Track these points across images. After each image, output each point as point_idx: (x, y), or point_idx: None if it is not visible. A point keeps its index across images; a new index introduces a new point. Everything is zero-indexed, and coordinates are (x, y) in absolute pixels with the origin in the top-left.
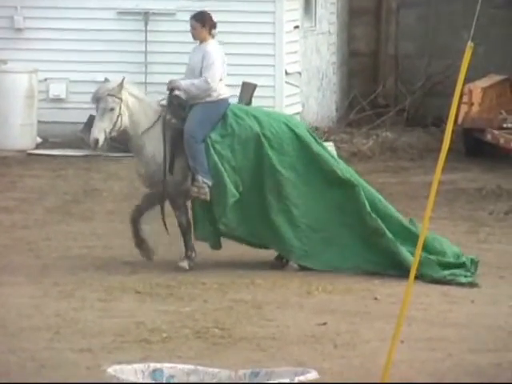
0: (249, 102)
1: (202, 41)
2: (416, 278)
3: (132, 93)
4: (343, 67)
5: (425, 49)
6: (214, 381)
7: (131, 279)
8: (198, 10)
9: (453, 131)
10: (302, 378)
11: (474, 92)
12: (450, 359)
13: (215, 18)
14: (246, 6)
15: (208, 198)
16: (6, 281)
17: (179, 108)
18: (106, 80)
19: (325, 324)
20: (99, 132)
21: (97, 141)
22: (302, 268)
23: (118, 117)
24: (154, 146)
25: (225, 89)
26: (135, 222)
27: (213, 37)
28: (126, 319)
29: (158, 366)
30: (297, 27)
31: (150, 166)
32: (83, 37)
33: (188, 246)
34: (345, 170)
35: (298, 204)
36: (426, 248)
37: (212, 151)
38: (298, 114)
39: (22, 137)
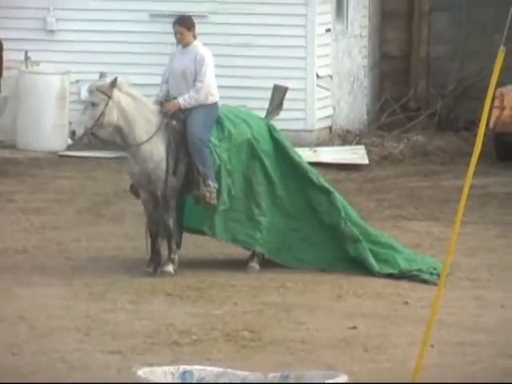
0: (280, 105)
1: (187, 44)
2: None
3: (129, 92)
4: (375, 70)
5: (457, 52)
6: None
7: (161, 281)
8: (230, 12)
9: (484, 135)
10: (331, 382)
11: (506, 96)
12: (480, 364)
13: (247, 20)
14: (278, 8)
15: (216, 202)
16: (37, 282)
17: (179, 112)
18: (102, 75)
19: (355, 328)
20: (78, 125)
21: (73, 133)
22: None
23: (101, 113)
24: (153, 145)
25: (217, 91)
26: (154, 236)
27: (196, 38)
28: (156, 321)
29: (188, 368)
30: (328, 30)
31: (147, 164)
32: (115, 39)
33: (171, 248)
34: (319, 177)
35: (279, 204)
36: (385, 245)
37: (215, 155)
38: (329, 117)
39: (54, 138)
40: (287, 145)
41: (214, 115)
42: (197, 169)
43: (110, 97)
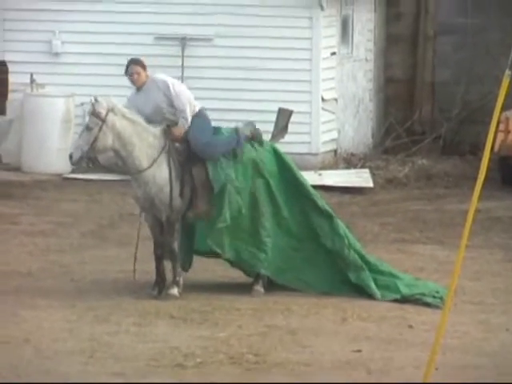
0: (285, 128)
1: (143, 84)
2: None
3: (125, 115)
4: (380, 94)
5: (461, 76)
6: None
7: (166, 304)
8: (236, 35)
9: (489, 159)
10: None
11: (511, 120)
12: None
13: (252, 43)
14: (283, 31)
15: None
16: (41, 304)
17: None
18: (95, 99)
19: (359, 351)
20: (75, 149)
21: (70, 156)
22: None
23: (95, 137)
24: (155, 169)
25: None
26: (160, 259)
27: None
28: (160, 344)
29: None
30: (334, 53)
31: (149, 188)
32: (120, 61)
33: (176, 271)
34: (323, 201)
35: (283, 224)
36: (385, 273)
37: (220, 171)
38: (334, 140)
39: (59, 161)
40: (292, 166)
41: (206, 118)
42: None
43: (103, 121)
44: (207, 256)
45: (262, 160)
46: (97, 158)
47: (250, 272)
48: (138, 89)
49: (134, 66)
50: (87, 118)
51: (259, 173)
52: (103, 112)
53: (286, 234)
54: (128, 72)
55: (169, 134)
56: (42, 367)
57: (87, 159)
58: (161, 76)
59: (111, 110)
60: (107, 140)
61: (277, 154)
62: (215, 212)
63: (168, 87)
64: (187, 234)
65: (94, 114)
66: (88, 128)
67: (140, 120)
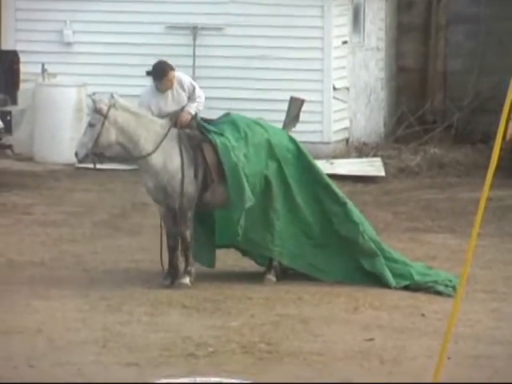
0: (297, 118)
1: (170, 87)
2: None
3: (126, 109)
4: (391, 83)
5: (474, 65)
6: None
7: (178, 293)
8: (247, 24)
9: (501, 148)
10: None
11: None
12: (497, 377)
13: (263, 33)
14: (295, 20)
15: None
16: (54, 294)
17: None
18: (93, 95)
19: (372, 340)
20: (80, 146)
21: (76, 154)
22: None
23: (98, 133)
24: (166, 156)
25: None
26: (173, 250)
27: None
28: (172, 333)
29: (205, 380)
30: (345, 42)
31: (161, 177)
32: (132, 51)
33: (188, 261)
34: (337, 188)
35: (296, 210)
36: (398, 261)
37: (232, 154)
38: (346, 129)
39: (71, 150)
40: (307, 153)
41: None
42: None
43: (105, 117)
44: (226, 247)
45: (276, 144)
46: (102, 153)
47: (262, 261)
48: (161, 91)
49: (171, 71)
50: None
51: (273, 156)
52: (104, 108)
53: (299, 220)
54: (164, 78)
55: (176, 121)
56: (54, 357)
57: (93, 155)
58: (186, 77)
59: (112, 105)
60: (110, 135)
61: (292, 141)
62: (233, 196)
63: (193, 91)
64: (207, 229)
65: (96, 110)
66: (91, 125)
67: (144, 113)
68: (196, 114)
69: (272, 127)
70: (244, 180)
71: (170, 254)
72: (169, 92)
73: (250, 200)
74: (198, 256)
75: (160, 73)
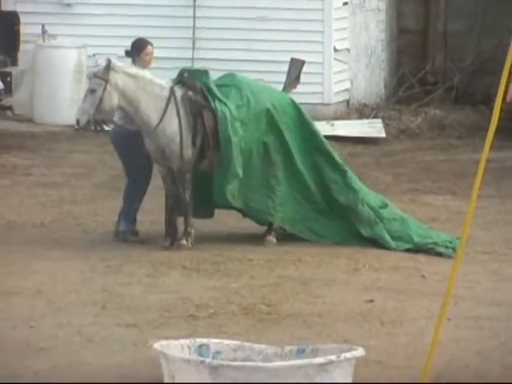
0: (297, 79)
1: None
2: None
3: (126, 72)
4: (392, 44)
5: (474, 26)
6: (260, 357)
7: (178, 255)
8: None
9: (501, 109)
10: (348, 355)
11: None
12: (497, 338)
13: None
14: None
15: None
16: (54, 256)
17: (194, 81)
18: (94, 56)
19: (372, 301)
20: (82, 113)
21: (78, 121)
22: (284, 239)
23: (100, 99)
24: (164, 121)
25: None
26: (172, 210)
27: None
28: (172, 295)
29: (205, 341)
30: (346, 4)
31: (160, 140)
32: (132, 12)
33: (188, 222)
34: (337, 156)
35: (297, 176)
36: (398, 224)
37: (229, 126)
38: (346, 90)
39: (71, 112)
40: (310, 120)
41: None
42: None
43: (106, 81)
44: (222, 207)
45: (278, 111)
46: (104, 120)
47: (262, 221)
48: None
49: (150, 46)
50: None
51: (273, 124)
52: (105, 71)
53: (300, 185)
54: (144, 52)
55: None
56: (54, 318)
57: (94, 122)
58: None
59: (112, 68)
60: (113, 99)
61: (296, 107)
62: (225, 165)
63: None
64: (203, 187)
65: (96, 75)
66: (92, 91)
67: (143, 73)
68: (203, 76)
69: (276, 93)
70: (234, 156)
71: (168, 213)
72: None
73: (235, 176)
74: (196, 211)
75: (137, 46)
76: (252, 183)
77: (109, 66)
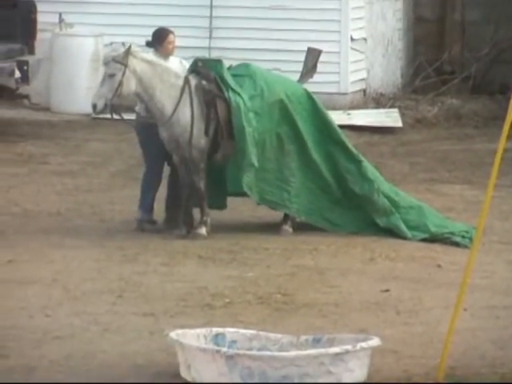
0: (314, 68)
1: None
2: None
3: (144, 58)
4: (409, 33)
5: (491, 16)
6: (275, 346)
7: (194, 244)
8: None
9: None
10: (363, 345)
11: None
12: None
13: None
14: None
15: None
16: (70, 244)
17: (208, 71)
18: (112, 45)
19: (388, 291)
20: (99, 98)
21: (95, 106)
22: (300, 229)
23: (119, 83)
24: (178, 110)
25: None
26: (187, 199)
27: None
28: (188, 284)
29: (221, 330)
30: None
31: (174, 129)
32: (149, 1)
33: (204, 211)
34: (351, 146)
35: (311, 166)
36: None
37: (243, 117)
38: (363, 80)
39: (87, 100)
40: (324, 111)
41: None
42: None
43: (126, 65)
44: (237, 195)
45: (292, 101)
46: (120, 105)
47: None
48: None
49: (172, 35)
50: (104, 67)
51: (287, 114)
52: (124, 56)
53: (315, 175)
54: (166, 41)
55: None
56: (70, 307)
57: (111, 108)
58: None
59: (131, 53)
60: (131, 85)
61: (310, 98)
62: (240, 155)
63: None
64: (218, 176)
65: (115, 59)
66: (110, 75)
67: (160, 61)
68: (217, 65)
69: (290, 83)
70: (249, 146)
71: (184, 202)
72: (168, 61)
73: (251, 165)
74: (209, 200)
75: (159, 35)
76: (266, 176)
77: (128, 51)
